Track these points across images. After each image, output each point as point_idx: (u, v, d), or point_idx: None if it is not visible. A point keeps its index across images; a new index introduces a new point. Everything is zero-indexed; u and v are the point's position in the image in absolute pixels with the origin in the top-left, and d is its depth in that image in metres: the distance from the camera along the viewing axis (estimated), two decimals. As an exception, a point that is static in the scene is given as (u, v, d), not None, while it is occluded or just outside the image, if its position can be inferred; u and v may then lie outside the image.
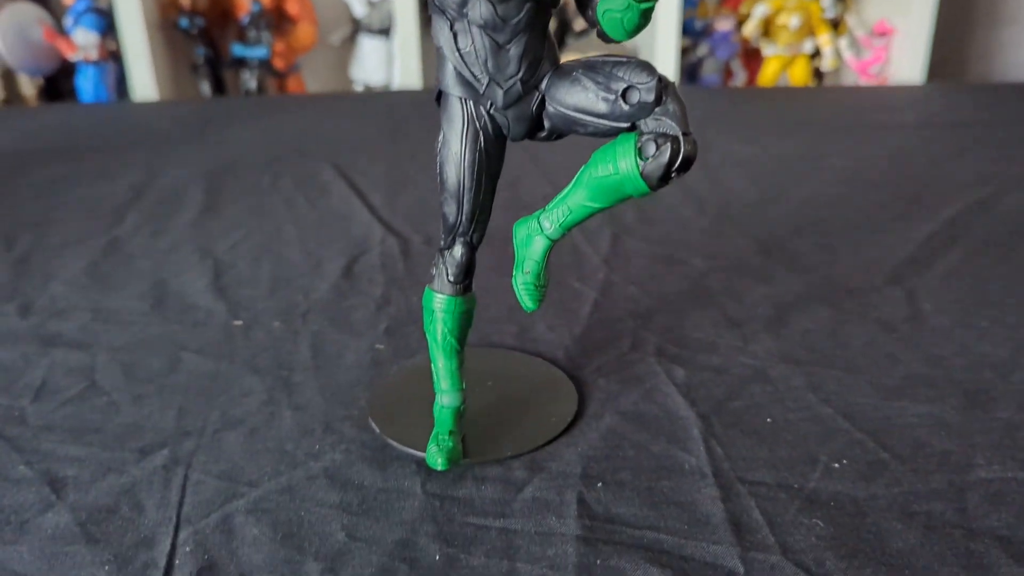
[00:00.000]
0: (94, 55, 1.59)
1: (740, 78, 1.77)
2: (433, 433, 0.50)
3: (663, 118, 0.42)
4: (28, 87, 1.68)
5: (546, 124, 0.46)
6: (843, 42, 1.72)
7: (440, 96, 0.46)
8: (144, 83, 1.58)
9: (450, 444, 0.49)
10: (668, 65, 1.63)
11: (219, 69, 1.71)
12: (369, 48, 1.77)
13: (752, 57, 1.78)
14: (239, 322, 0.68)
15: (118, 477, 0.49)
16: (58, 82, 1.73)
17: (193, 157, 1.15)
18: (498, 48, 0.44)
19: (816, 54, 1.73)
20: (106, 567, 0.42)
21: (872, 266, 0.77)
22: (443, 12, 0.44)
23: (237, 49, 1.66)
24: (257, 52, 1.64)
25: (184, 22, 1.62)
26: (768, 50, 1.71)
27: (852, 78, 1.78)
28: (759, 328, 0.66)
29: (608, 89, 0.43)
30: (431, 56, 1.69)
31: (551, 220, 0.48)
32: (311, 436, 0.53)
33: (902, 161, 1.10)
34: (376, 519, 0.46)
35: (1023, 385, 0.58)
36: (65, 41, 1.59)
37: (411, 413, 0.54)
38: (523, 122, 0.46)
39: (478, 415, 0.54)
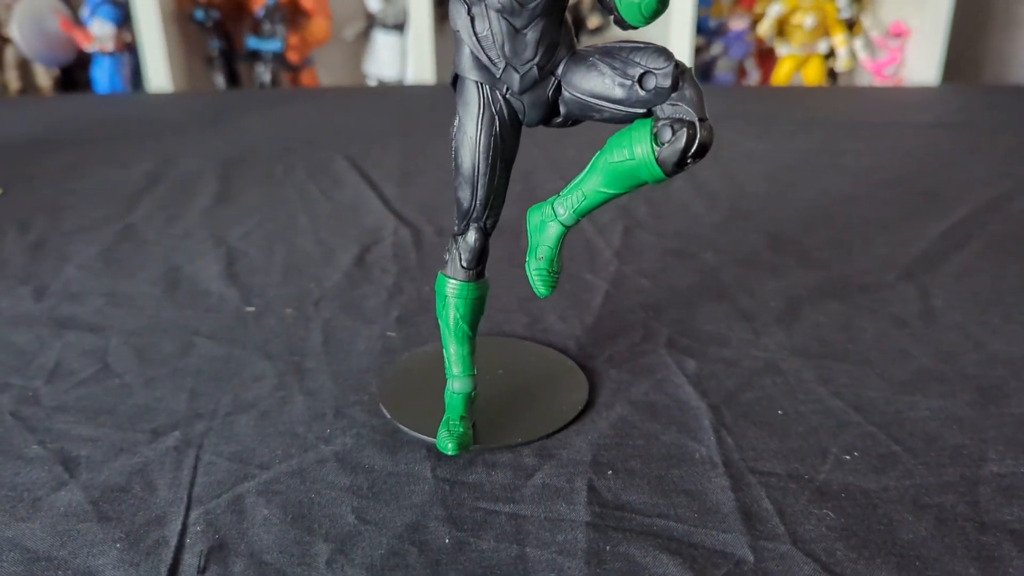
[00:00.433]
0: (110, 46, 1.60)
1: (754, 77, 1.77)
2: (444, 419, 0.50)
3: (680, 104, 0.42)
4: (44, 77, 1.69)
5: (562, 109, 0.46)
6: (858, 43, 1.71)
7: (456, 80, 0.46)
8: (159, 75, 1.59)
9: (461, 429, 0.49)
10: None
11: (233, 62, 1.72)
12: (383, 43, 1.77)
13: (766, 56, 1.77)
14: (251, 308, 0.68)
15: (130, 457, 0.50)
16: (73, 73, 1.74)
17: (207, 147, 1.15)
18: (515, 32, 0.44)
19: (830, 54, 1.73)
20: (118, 545, 0.43)
21: (885, 262, 0.77)
22: (461, -4, 0.44)
23: (251, 42, 1.66)
24: (271, 45, 1.65)
25: (199, 14, 1.62)
26: (782, 50, 1.70)
27: (867, 79, 1.77)
28: (770, 321, 0.66)
29: (625, 75, 0.43)
30: (444, 52, 1.69)
31: (565, 206, 0.48)
32: (322, 420, 0.53)
33: (916, 160, 1.10)
34: (386, 502, 0.46)
35: (1036, 382, 0.58)
36: (81, 32, 1.60)
37: (422, 399, 0.54)
38: (539, 107, 0.46)
39: (489, 402, 0.54)
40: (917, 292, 0.71)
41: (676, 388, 0.57)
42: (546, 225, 0.48)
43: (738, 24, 1.71)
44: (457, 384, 0.51)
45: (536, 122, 0.47)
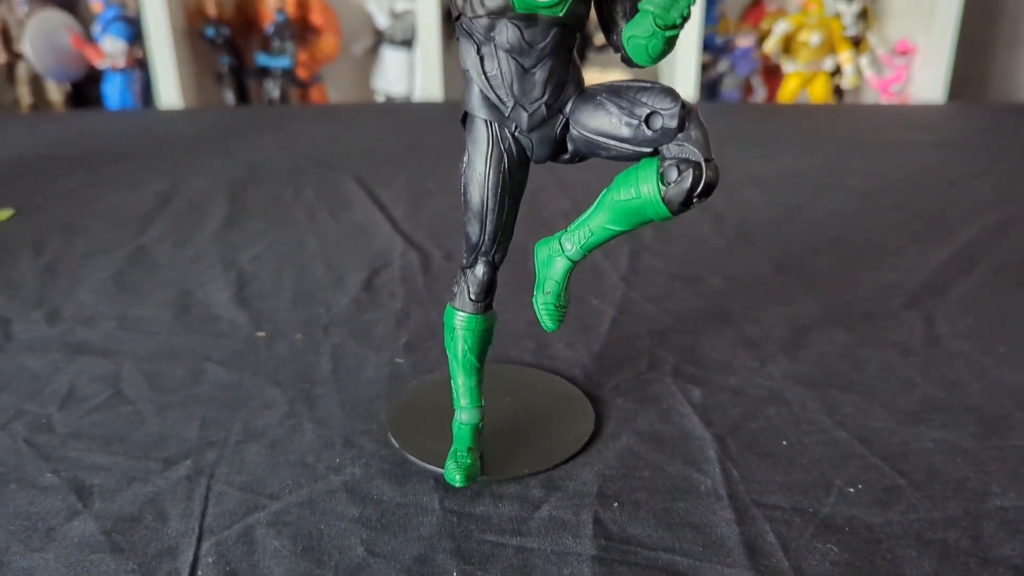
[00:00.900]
0: (121, 63, 1.62)
1: (760, 94, 1.78)
2: (452, 449, 0.51)
3: (685, 144, 0.43)
4: (55, 93, 1.71)
5: (569, 147, 0.47)
6: (864, 60, 1.72)
7: (466, 117, 0.47)
8: (169, 91, 1.61)
9: (468, 461, 0.50)
10: (688, 81, 1.64)
11: (243, 78, 1.73)
12: (391, 59, 1.78)
13: (772, 73, 1.78)
14: (262, 334, 0.69)
15: (143, 486, 0.50)
16: (85, 88, 1.76)
17: (217, 166, 1.17)
18: (524, 72, 0.44)
19: (836, 71, 1.74)
20: (130, 576, 0.43)
21: (890, 288, 0.78)
22: (470, 36, 0.45)
23: (261, 58, 1.68)
24: (280, 62, 1.66)
25: (210, 31, 1.64)
26: (788, 67, 1.71)
27: (872, 96, 1.78)
28: (776, 350, 0.67)
29: (631, 114, 0.44)
30: (452, 68, 1.71)
31: (572, 242, 0.48)
32: (331, 449, 0.54)
33: (921, 181, 1.10)
34: (394, 534, 0.46)
35: (1040, 413, 0.58)
36: (93, 48, 1.61)
37: (430, 428, 0.55)
38: (547, 144, 0.47)
39: (496, 432, 0.55)
40: (922, 320, 0.72)
41: (682, 418, 0.57)
42: (553, 260, 0.49)
43: (744, 41, 1.72)
44: (465, 415, 0.52)
45: (544, 159, 0.48)
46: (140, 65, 1.66)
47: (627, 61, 0.45)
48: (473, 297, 0.50)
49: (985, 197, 1.03)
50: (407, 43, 1.76)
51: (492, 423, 0.55)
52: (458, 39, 0.46)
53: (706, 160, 0.43)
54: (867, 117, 1.56)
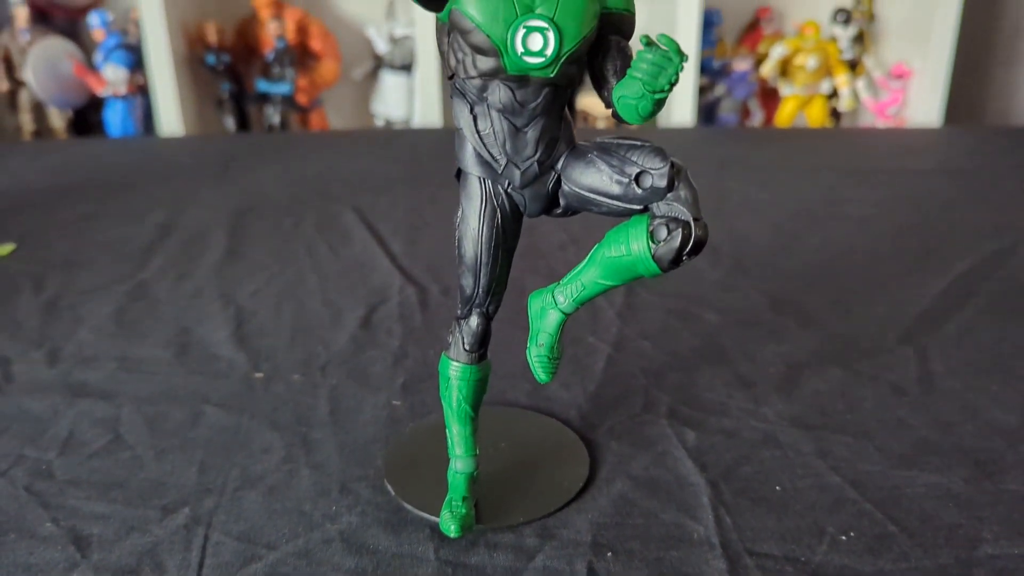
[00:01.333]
0: (123, 90, 1.63)
1: (757, 117, 1.79)
2: (447, 499, 0.51)
3: (674, 203, 0.44)
4: (57, 119, 1.72)
5: (562, 202, 0.48)
6: (860, 83, 1.73)
7: (459, 173, 0.48)
8: (170, 118, 1.62)
9: (463, 511, 0.50)
10: (686, 104, 1.65)
11: (243, 104, 1.74)
12: (391, 83, 1.79)
13: (770, 96, 1.79)
14: (260, 374, 0.70)
15: (141, 536, 0.51)
16: (87, 114, 1.77)
17: (217, 196, 1.17)
18: (516, 131, 0.45)
19: (833, 94, 1.74)
20: (128, 630, 0.44)
21: (884, 323, 0.78)
22: (464, 95, 0.46)
23: (261, 85, 1.69)
24: (281, 88, 1.67)
25: (211, 59, 1.65)
26: (786, 90, 1.72)
27: (869, 118, 1.79)
28: (770, 389, 0.67)
29: (622, 172, 0.45)
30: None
31: (565, 295, 0.49)
32: (328, 497, 0.54)
33: (917, 209, 1.11)
34: (390, 586, 0.47)
35: (1032, 455, 0.58)
36: (95, 77, 1.62)
37: (426, 474, 0.55)
38: (539, 200, 0.48)
39: (491, 478, 0.55)
40: (916, 356, 0.72)
41: (676, 462, 0.58)
42: (547, 312, 0.50)
43: (741, 65, 1.73)
44: (460, 464, 0.52)
45: (537, 213, 0.48)
46: (141, 91, 1.67)
47: (617, 117, 0.46)
48: (467, 348, 0.51)
49: (981, 225, 1.04)
50: (406, 68, 1.77)
51: (488, 469, 0.56)
52: (452, 97, 0.47)
53: (695, 219, 0.43)
54: (863, 142, 1.57)
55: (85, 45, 1.71)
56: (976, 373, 0.69)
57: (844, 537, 0.50)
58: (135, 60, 1.64)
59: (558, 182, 0.47)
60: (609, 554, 0.49)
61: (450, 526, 0.49)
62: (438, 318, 0.79)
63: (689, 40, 1.61)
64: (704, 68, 1.73)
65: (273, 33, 1.67)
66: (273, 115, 1.71)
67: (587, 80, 0.47)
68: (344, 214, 1.09)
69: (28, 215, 1.10)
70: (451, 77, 0.46)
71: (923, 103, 1.68)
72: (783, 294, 0.85)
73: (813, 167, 1.33)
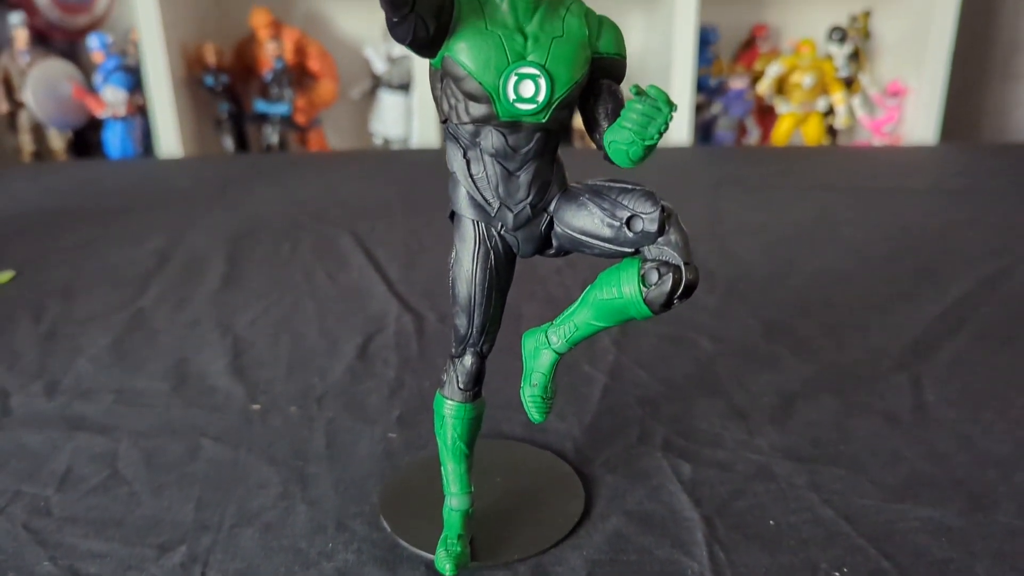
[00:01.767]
0: (122, 112, 1.64)
1: (754, 135, 1.79)
2: (442, 536, 0.52)
3: (665, 248, 0.44)
4: (57, 140, 1.73)
5: (554, 243, 0.48)
6: (856, 101, 1.74)
7: (453, 215, 0.48)
8: (169, 140, 1.63)
9: (458, 549, 0.50)
10: (683, 123, 1.66)
11: (242, 124, 1.75)
12: (389, 103, 1.80)
13: (766, 113, 1.80)
14: (257, 406, 0.70)
15: (138, 575, 0.51)
16: (86, 135, 1.78)
17: (215, 220, 1.18)
18: (508, 175, 0.46)
19: (830, 112, 1.75)
20: (125, 674, 0.44)
21: (878, 350, 0.78)
22: (457, 140, 0.46)
23: (259, 105, 1.70)
24: (279, 109, 1.68)
25: (209, 80, 1.66)
26: (782, 108, 1.73)
27: (866, 136, 1.79)
28: (764, 419, 0.67)
29: (613, 216, 0.45)
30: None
31: (558, 335, 0.49)
32: (324, 534, 0.54)
33: (912, 231, 1.11)
34: (385, 626, 0.47)
35: (1024, 487, 0.59)
36: (94, 99, 1.63)
37: (421, 510, 0.56)
38: (532, 241, 0.48)
39: (487, 513, 0.55)
40: (910, 384, 0.73)
41: (671, 496, 0.58)
42: (540, 352, 0.50)
43: (738, 83, 1.74)
44: (455, 501, 0.53)
45: (531, 254, 0.49)
46: (141, 112, 1.68)
47: (609, 160, 0.46)
48: (462, 386, 0.51)
49: (976, 248, 1.04)
50: (404, 87, 1.78)
51: (483, 504, 0.56)
52: (446, 141, 0.47)
53: (685, 264, 0.44)
54: (859, 161, 1.57)
55: (84, 67, 1.72)
56: (970, 402, 0.70)
57: (837, 573, 0.51)
58: (134, 82, 1.65)
59: (551, 224, 0.48)
60: (603, 593, 0.49)
61: (445, 564, 0.49)
62: (434, 347, 0.80)
63: (685, 58, 1.62)
64: (701, 86, 1.74)
65: (271, 54, 1.68)
66: (271, 135, 1.72)
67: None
68: (341, 238, 1.09)
69: (27, 240, 1.10)
70: (444, 121, 0.46)
71: (919, 120, 1.69)
72: (777, 320, 0.85)
73: (808, 187, 1.33)
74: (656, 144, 0.43)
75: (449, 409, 0.52)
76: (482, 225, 0.47)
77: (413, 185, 1.34)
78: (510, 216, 0.47)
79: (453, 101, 0.45)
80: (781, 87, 1.73)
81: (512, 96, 0.43)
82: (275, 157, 1.64)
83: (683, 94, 1.64)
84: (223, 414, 0.69)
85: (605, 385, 0.73)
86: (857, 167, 1.50)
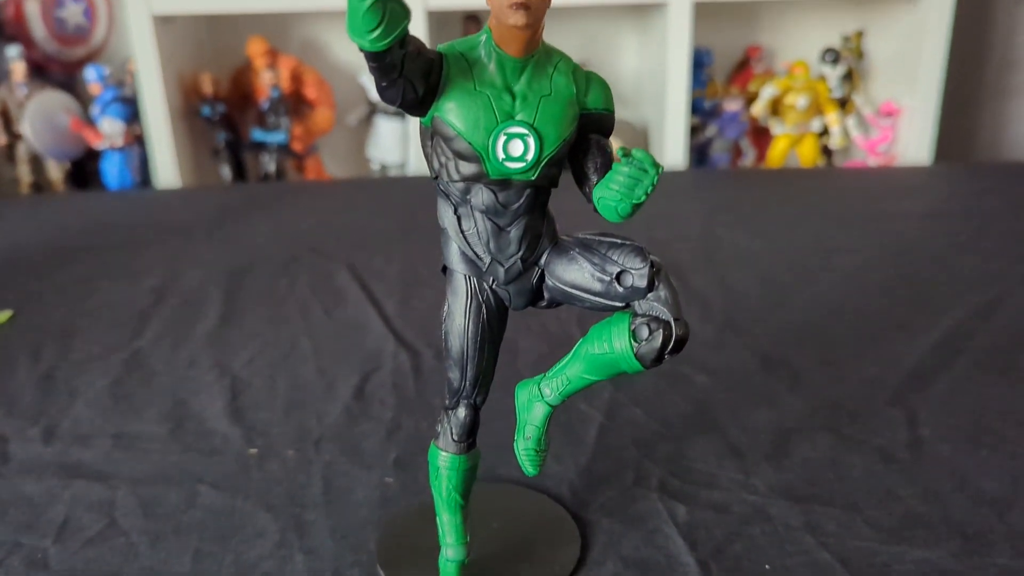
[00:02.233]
0: (120, 143, 1.65)
1: (749, 156, 1.80)
2: (439, 588, 0.52)
3: (655, 303, 0.45)
4: (55, 171, 1.73)
5: (546, 295, 0.49)
6: (851, 121, 1.75)
7: (445, 269, 0.49)
8: (167, 171, 1.63)
9: (454, 601, 0.50)
10: (678, 146, 1.67)
11: (239, 152, 1.76)
12: (385, 129, 1.81)
13: (761, 135, 1.80)
14: (254, 451, 0.70)
15: (135, 631, 0.51)
16: (84, 165, 1.78)
17: (212, 254, 1.18)
18: (499, 230, 0.46)
19: (824, 132, 1.76)
20: None
21: (873, 384, 0.79)
22: (447, 197, 0.47)
23: (256, 134, 1.70)
24: (276, 137, 1.69)
25: (206, 110, 1.67)
26: (777, 129, 1.74)
27: (860, 155, 1.80)
28: (760, 458, 0.68)
29: (603, 271, 0.46)
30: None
31: (551, 388, 0.50)
32: (321, 585, 0.55)
33: (907, 257, 1.12)
34: None
35: (1019, 526, 0.59)
36: (92, 131, 1.64)
37: (418, 559, 0.56)
38: (524, 295, 0.49)
39: (484, 561, 0.56)
40: (905, 419, 0.73)
41: (667, 540, 0.58)
42: (533, 405, 0.51)
43: (732, 105, 1.74)
44: (451, 552, 0.53)
45: (523, 307, 0.49)
46: (138, 142, 1.68)
47: (597, 212, 0.47)
48: (456, 438, 0.51)
49: (970, 274, 1.05)
50: (400, 113, 1.79)
51: (480, 551, 0.56)
52: (437, 197, 0.48)
53: (675, 319, 0.44)
54: (853, 183, 1.58)
55: (82, 98, 1.73)
56: (964, 437, 0.70)
57: (833, 620, 0.51)
58: (131, 112, 1.66)
59: (542, 276, 0.48)
60: (600, 644, 0.49)
61: (441, 617, 0.49)
62: (431, 385, 0.80)
63: (680, 81, 1.63)
64: (695, 108, 1.75)
65: (268, 82, 1.68)
66: (269, 163, 1.73)
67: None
68: (338, 272, 1.10)
69: (25, 277, 1.11)
70: (435, 178, 0.47)
71: (913, 140, 1.70)
72: (773, 353, 0.85)
73: (804, 211, 1.34)
74: (644, 202, 0.44)
75: (444, 461, 0.52)
76: (474, 279, 0.48)
77: (410, 214, 1.35)
78: (501, 270, 0.47)
79: (443, 159, 0.45)
80: (776, 108, 1.74)
81: (501, 155, 0.44)
82: (272, 187, 1.64)
83: (677, 116, 1.65)
84: (221, 458, 0.69)
85: (601, 424, 0.73)
86: (852, 190, 1.50)
